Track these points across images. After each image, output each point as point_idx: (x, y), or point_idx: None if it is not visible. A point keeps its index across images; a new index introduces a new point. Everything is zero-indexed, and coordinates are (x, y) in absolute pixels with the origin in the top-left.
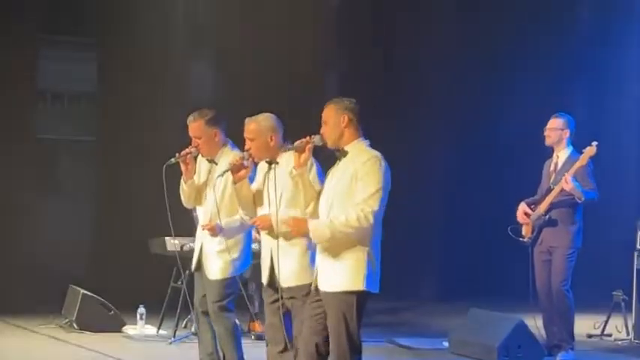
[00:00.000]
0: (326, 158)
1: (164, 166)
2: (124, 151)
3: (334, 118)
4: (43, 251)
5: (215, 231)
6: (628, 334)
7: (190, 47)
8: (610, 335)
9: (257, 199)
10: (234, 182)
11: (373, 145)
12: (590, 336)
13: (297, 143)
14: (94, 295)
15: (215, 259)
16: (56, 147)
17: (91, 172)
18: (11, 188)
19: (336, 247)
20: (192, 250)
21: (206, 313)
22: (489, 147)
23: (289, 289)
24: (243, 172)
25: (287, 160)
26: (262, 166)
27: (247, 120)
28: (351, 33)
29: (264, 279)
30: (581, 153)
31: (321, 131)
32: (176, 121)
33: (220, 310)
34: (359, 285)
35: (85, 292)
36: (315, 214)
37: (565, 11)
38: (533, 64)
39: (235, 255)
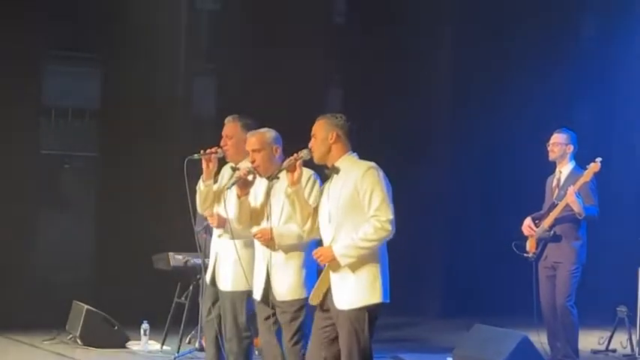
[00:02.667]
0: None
1: (186, 160)
2: (128, 166)
3: (323, 133)
4: (47, 266)
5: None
6: (632, 349)
7: (193, 64)
8: (614, 351)
9: (259, 214)
10: (239, 196)
11: (373, 156)
12: (594, 352)
13: (285, 163)
14: (98, 311)
15: (230, 270)
16: (59, 162)
17: (95, 187)
18: (15, 203)
19: (352, 263)
20: (195, 266)
21: (217, 332)
22: (493, 163)
23: (283, 303)
24: (248, 186)
25: (285, 179)
26: (260, 182)
27: (250, 134)
28: (351, 51)
29: (258, 294)
30: (584, 168)
31: (310, 144)
32: (179, 138)
33: (237, 327)
34: (376, 298)
35: (89, 307)
36: (312, 232)
37: (569, 25)
38: (536, 80)
39: (251, 267)
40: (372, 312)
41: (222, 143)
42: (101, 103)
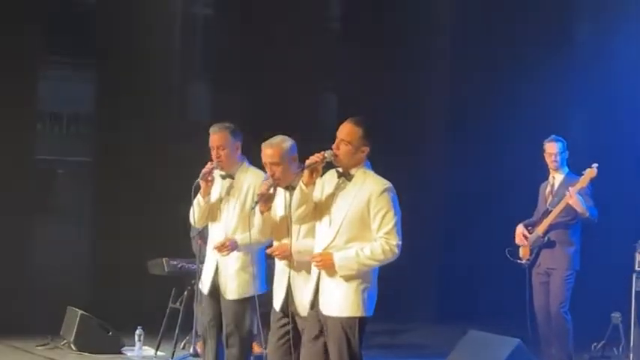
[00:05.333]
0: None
1: (193, 187)
2: (123, 171)
3: (357, 142)
4: (42, 271)
5: (229, 247)
6: (626, 356)
7: (189, 69)
8: (609, 357)
9: (282, 227)
10: (262, 212)
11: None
12: (589, 358)
13: (309, 161)
14: (93, 317)
15: (233, 278)
16: (55, 167)
17: (90, 192)
18: (10, 208)
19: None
20: (190, 271)
21: (216, 341)
22: (486, 170)
23: (305, 318)
24: (270, 199)
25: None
26: (279, 195)
27: (266, 145)
28: (348, 55)
29: (278, 304)
30: (578, 174)
31: (339, 149)
32: (175, 143)
33: (240, 335)
34: (359, 312)
35: (84, 313)
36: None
37: (564, 34)
38: (531, 84)
39: (254, 274)
40: (360, 322)
41: (214, 155)
42: (96, 108)
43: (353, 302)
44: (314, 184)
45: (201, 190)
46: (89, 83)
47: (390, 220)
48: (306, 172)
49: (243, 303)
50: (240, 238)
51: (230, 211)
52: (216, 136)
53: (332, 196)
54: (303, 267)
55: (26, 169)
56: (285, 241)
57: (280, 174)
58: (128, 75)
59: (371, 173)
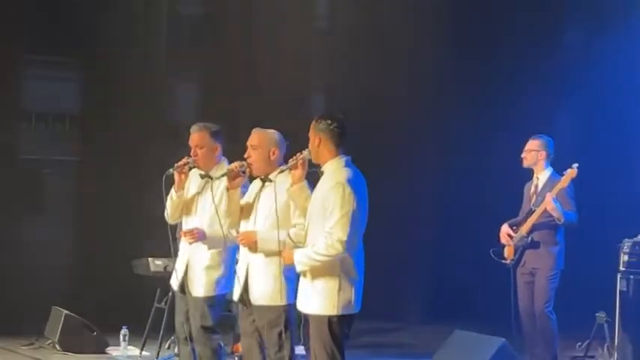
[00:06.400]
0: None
1: (164, 176)
2: (108, 171)
3: (311, 137)
4: (26, 271)
5: (196, 235)
6: (611, 355)
7: (175, 68)
8: (593, 357)
9: (244, 212)
10: (228, 188)
11: (360, 163)
12: (573, 358)
13: (291, 161)
14: (77, 316)
15: (201, 275)
16: (40, 167)
17: (74, 192)
18: None
19: (313, 270)
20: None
21: (188, 339)
22: (471, 171)
23: (260, 308)
24: (238, 179)
25: (283, 182)
26: (255, 183)
27: (254, 130)
28: (334, 56)
29: (237, 295)
30: (562, 174)
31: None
32: (159, 143)
33: (205, 331)
34: (332, 310)
35: (68, 313)
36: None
37: (552, 32)
38: (517, 86)
39: (221, 272)
40: (334, 321)
41: (192, 153)
42: (81, 107)
43: (324, 300)
44: (300, 180)
45: (175, 184)
46: (74, 82)
47: (336, 214)
48: (292, 173)
49: (207, 301)
50: (209, 231)
51: (206, 207)
52: (196, 135)
53: (313, 196)
54: (264, 256)
55: (10, 168)
56: (249, 226)
57: (255, 158)
58: (113, 74)
59: (338, 165)
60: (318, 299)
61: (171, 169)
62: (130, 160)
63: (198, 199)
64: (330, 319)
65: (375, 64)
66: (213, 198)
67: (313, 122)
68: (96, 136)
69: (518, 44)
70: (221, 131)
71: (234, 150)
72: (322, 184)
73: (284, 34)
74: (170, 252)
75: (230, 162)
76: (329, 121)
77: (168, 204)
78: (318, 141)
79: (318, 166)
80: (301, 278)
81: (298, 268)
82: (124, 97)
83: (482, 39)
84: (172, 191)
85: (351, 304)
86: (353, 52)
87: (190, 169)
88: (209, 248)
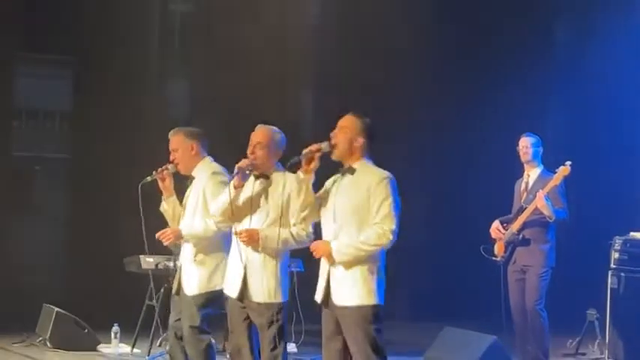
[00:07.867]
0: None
1: (139, 185)
2: (100, 168)
3: (351, 134)
4: (18, 269)
5: (170, 236)
6: (602, 352)
7: (168, 67)
8: (584, 354)
9: (242, 211)
10: (235, 187)
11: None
12: (564, 355)
13: (305, 151)
14: (68, 314)
15: (192, 273)
16: (31, 164)
17: (66, 189)
18: None
19: (352, 262)
20: (167, 269)
21: (180, 337)
22: (463, 165)
23: (259, 305)
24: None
25: (280, 181)
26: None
27: (258, 126)
28: (331, 52)
29: (235, 292)
30: (552, 172)
31: (335, 138)
32: (152, 140)
33: (194, 331)
34: (372, 300)
35: (59, 310)
36: (310, 217)
37: (544, 30)
38: (510, 83)
39: (211, 269)
40: (374, 310)
41: (171, 158)
42: (72, 104)
43: (363, 290)
44: (311, 173)
45: (163, 193)
46: (66, 80)
47: (386, 207)
48: (303, 161)
49: (197, 299)
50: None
51: (192, 205)
52: (172, 140)
53: (334, 192)
54: (264, 253)
55: (2, 165)
56: (244, 225)
57: (261, 157)
58: (105, 72)
59: (370, 165)
60: (360, 290)
61: (148, 177)
62: (122, 157)
63: (185, 203)
64: (372, 308)
65: (372, 63)
66: (199, 198)
67: (358, 118)
68: (87, 133)
69: (508, 45)
70: (200, 133)
71: (229, 149)
72: (360, 180)
73: (278, 33)
74: (162, 250)
75: (229, 161)
76: (369, 121)
77: (164, 214)
78: (361, 140)
79: (345, 167)
80: (335, 274)
81: (339, 259)
82: (116, 95)
83: (474, 40)
84: (163, 202)
85: (383, 294)
86: (345, 49)
87: (174, 174)
88: (194, 246)
